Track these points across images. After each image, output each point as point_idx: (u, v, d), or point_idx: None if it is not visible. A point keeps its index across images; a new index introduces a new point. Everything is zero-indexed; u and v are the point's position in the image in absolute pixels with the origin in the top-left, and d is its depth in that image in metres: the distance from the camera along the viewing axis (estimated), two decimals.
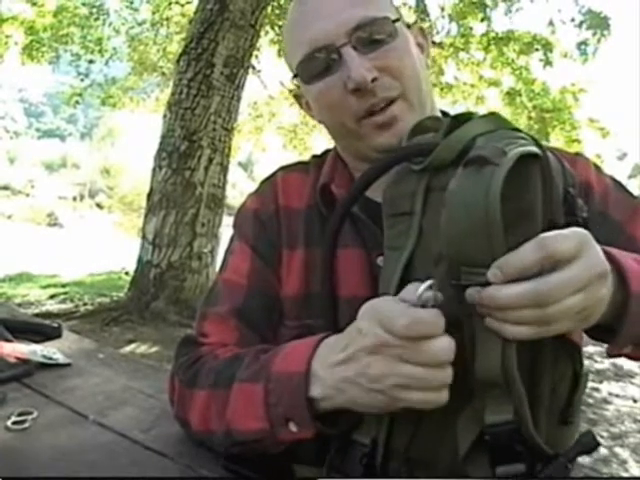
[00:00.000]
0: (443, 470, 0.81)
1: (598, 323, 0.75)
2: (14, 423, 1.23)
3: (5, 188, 22.45)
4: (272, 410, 0.89)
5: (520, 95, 11.31)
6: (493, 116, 0.83)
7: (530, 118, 11.18)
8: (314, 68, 1.01)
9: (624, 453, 3.99)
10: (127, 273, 8.51)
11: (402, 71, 1.00)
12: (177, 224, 6.94)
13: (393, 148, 0.98)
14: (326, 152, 1.21)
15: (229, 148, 7.45)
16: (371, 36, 0.98)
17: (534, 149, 0.72)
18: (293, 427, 0.87)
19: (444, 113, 1.13)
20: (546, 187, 0.72)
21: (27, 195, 22.02)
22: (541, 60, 10.61)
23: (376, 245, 0.97)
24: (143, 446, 1.18)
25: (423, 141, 0.91)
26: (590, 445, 0.79)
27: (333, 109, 1.03)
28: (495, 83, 11.79)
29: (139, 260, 7.18)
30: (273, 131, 12.59)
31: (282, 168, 1.22)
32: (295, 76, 1.07)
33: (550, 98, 11.22)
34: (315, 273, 1.05)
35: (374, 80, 0.97)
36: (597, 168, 1.08)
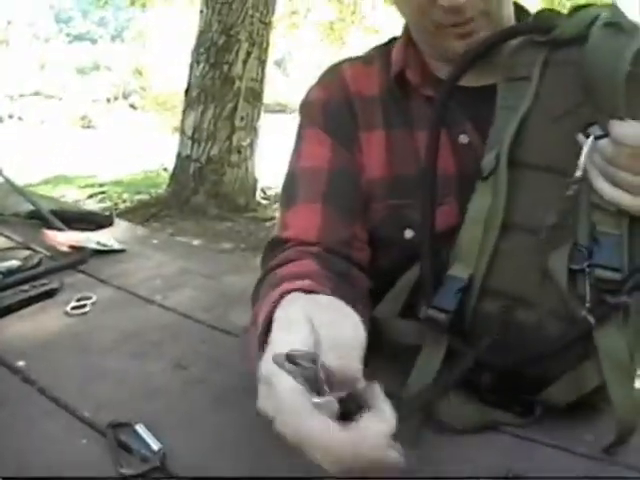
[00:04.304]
0: (548, 309, 0.84)
1: None
2: (73, 308, 1.22)
3: (37, 94, 22.37)
4: None
5: None
6: (610, 6, 0.89)
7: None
8: None
9: None
10: (165, 169, 8.52)
11: None
12: (216, 118, 6.95)
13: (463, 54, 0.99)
14: (390, 41, 1.18)
15: (267, 42, 7.34)
16: None
17: None
18: None
19: (519, 7, 1.11)
20: None
21: (60, 99, 21.92)
22: None
23: (457, 124, 1.02)
24: (207, 325, 1.16)
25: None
26: None
27: (416, 13, 1.00)
28: None
29: (178, 155, 7.22)
30: (309, 27, 12.34)
31: (345, 60, 1.20)
32: None
33: None
34: (398, 154, 1.06)
35: None
36: None
